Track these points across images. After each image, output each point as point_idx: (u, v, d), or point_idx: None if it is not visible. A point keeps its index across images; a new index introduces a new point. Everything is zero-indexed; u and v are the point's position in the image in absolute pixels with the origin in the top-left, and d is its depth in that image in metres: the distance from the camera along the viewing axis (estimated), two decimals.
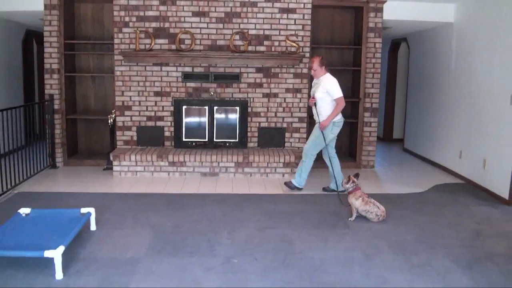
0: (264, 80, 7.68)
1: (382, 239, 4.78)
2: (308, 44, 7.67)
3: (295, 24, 7.61)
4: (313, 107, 6.34)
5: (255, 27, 7.59)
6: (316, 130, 6.35)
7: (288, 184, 6.53)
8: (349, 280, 3.86)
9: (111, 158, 7.25)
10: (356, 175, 5.52)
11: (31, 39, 9.97)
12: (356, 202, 5.28)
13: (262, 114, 7.78)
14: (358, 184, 5.43)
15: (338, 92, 6.17)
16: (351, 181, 5.43)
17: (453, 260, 4.29)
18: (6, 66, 8.81)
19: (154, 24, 7.49)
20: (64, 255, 3.84)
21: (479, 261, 4.28)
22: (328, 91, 6.15)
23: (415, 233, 4.96)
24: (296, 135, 7.85)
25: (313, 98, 6.30)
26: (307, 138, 7.88)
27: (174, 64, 7.58)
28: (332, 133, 6.31)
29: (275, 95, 7.72)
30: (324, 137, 6.23)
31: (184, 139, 7.75)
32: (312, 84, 6.53)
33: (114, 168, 7.25)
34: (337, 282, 3.82)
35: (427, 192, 6.73)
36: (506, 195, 6.17)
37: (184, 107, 7.69)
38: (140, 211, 5.51)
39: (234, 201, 6.01)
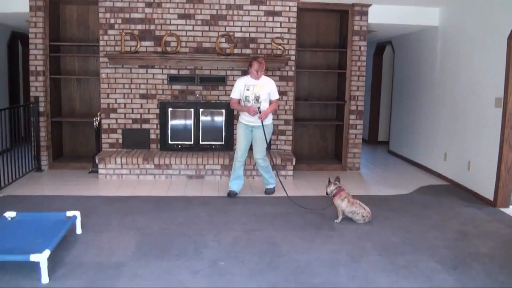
0: None
1: (367, 240, 4.81)
2: (293, 47, 7.70)
3: (280, 27, 7.63)
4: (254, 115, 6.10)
5: (241, 29, 7.59)
6: (258, 135, 6.24)
7: (269, 192, 6.55)
8: (335, 282, 3.88)
9: (97, 161, 7.20)
10: (337, 179, 5.52)
11: (17, 41, 9.89)
12: (342, 204, 5.30)
13: None
14: (341, 186, 5.45)
15: (277, 93, 6.29)
16: (332, 184, 5.44)
17: (438, 261, 4.33)
18: None
19: (139, 26, 7.46)
20: (49, 259, 3.81)
21: (464, 262, 4.32)
22: (271, 92, 6.16)
23: (401, 235, 4.99)
24: (282, 137, 7.85)
25: (255, 108, 6.03)
26: (293, 141, 7.92)
27: (159, 66, 7.56)
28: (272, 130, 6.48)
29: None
30: (265, 134, 6.19)
31: (170, 142, 7.73)
32: (245, 86, 6.14)
33: (100, 171, 7.21)
34: (323, 284, 3.84)
35: (412, 193, 6.78)
36: (490, 197, 6.23)
37: (169, 109, 7.67)
38: (126, 214, 5.49)
39: (220, 204, 6.01)
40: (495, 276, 4.06)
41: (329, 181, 5.47)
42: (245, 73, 7.57)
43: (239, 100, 6.25)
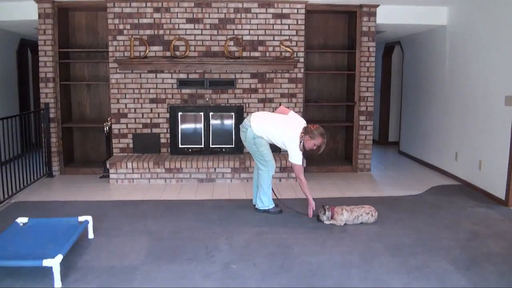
0: (259, 85, 7.70)
1: (379, 242, 4.79)
2: (302, 49, 7.70)
3: (289, 29, 7.63)
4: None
5: (249, 33, 7.61)
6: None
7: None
8: (347, 284, 3.87)
9: (108, 166, 7.24)
10: (324, 205, 5.38)
11: (26, 48, 9.97)
12: (344, 217, 5.23)
13: None
14: (331, 206, 5.36)
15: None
16: (322, 210, 5.35)
17: (451, 261, 4.30)
18: (1, 75, 8.81)
19: (148, 32, 7.50)
20: (62, 264, 3.83)
21: (477, 262, 4.29)
22: None
23: (412, 235, 4.97)
24: None
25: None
26: None
27: (169, 71, 7.59)
28: None
29: (271, 100, 7.73)
30: None
31: (180, 146, 7.75)
32: None
33: (111, 176, 7.25)
34: (335, 286, 3.83)
35: (424, 194, 6.75)
36: (502, 196, 6.19)
37: (179, 113, 7.70)
38: (137, 218, 5.51)
39: (231, 207, 6.01)
40: (508, 276, 4.03)
41: (323, 207, 5.36)
42: (254, 75, 7.61)
43: None
